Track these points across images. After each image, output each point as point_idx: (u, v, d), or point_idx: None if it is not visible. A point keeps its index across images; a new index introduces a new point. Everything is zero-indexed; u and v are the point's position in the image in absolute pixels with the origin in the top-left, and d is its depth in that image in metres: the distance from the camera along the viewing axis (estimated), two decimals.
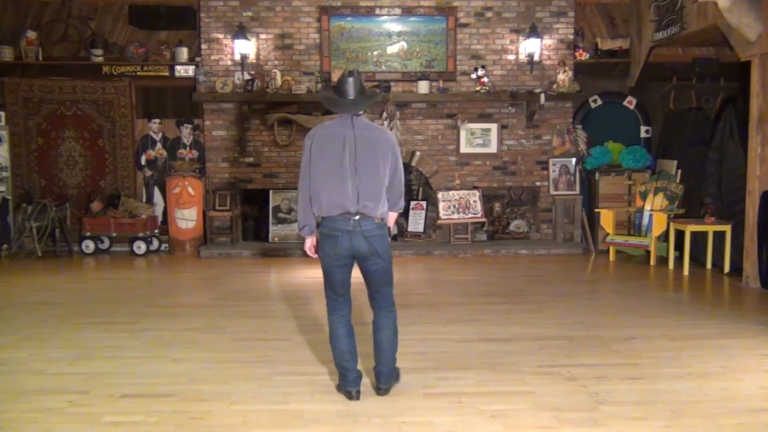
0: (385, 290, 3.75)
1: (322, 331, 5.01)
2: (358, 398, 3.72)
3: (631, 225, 8.30)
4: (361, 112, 3.70)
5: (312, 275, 7.29)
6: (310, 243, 3.79)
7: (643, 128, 9.28)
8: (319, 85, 8.59)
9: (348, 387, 3.74)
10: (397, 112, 8.79)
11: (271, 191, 8.97)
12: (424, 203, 9.13)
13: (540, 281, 7.01)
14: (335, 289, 3.72)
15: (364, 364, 4.06)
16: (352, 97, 3.60)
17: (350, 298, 3.81)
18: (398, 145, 3.75)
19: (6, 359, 4.48)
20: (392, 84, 8.70)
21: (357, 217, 3.55)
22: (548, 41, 8.95)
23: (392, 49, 8.85)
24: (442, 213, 8.84)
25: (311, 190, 3.60)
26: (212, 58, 8.84)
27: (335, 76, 8.54)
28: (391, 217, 3.81)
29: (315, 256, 3.76)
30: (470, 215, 8.85)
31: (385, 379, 3.78)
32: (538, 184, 9.12)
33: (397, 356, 4.42)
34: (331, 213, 3.57)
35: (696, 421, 3.43)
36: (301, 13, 8.82)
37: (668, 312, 5.69)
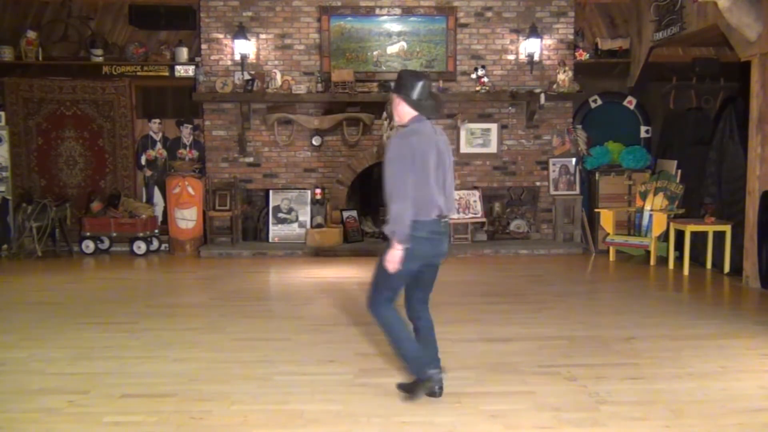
0: (430, 293, 3.86)
1: (322, 331, 5.03)
2: (440, 387, 3.71)
3: (631, 225, 8.30)
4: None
5: (312, 275, 7.29)
6: (401, 254, 3.49)
7: (643, 128, 9.28)
8: (320, 85, 8.58)
9: (430, 370, 3.62)
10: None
11: (271, 191, 8.97)
12: None
13: (540, 281, 7.01)
14: (397, 291, 3.69)
15: (360, 364, 4.06)
16: (428, 101, 3.66)
17: None
18: None
19: (6, 359, 4.48)
20: (392, 84, 8.67)
21: (446, 220, 3.66)
22: (548, 41, 8.95)
23: (392, 49, 8.85)
24: None
25: (412, 195, 3.46)
26: (212, 58, 8.84)
27: (335, 76, 8.55)
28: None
29: (398, 269, 3.52)
30: (470, 215, 8.85)
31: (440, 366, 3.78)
32: (538, 184, 9.12)
33: (396, 356, 4.44)
34: (430, 216, 3.56)
35: (696, 421, 3.43)
36: (301, 13, 8.82)
37: (668, 312, 5.69)
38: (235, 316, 5.58)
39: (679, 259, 7.50)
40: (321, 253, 8.40)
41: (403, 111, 3.65)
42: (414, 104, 3.62)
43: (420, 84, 3.62)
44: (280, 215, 8.96)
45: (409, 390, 3.70)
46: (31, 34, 8.75)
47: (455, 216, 8.79)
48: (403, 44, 8.84)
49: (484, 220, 8.91)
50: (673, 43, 8.48)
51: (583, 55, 9.10)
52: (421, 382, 3.65)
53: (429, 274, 3.76)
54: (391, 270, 3.52)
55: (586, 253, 8.68)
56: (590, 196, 9.04)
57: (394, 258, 3.49)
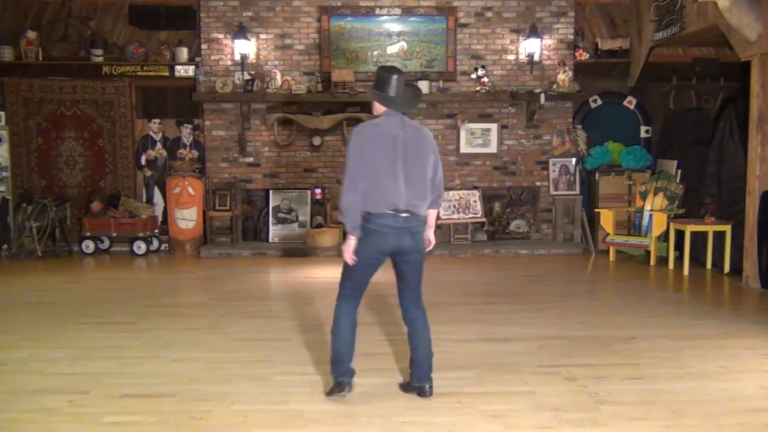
0: (417, 285, 3.79)
1: (322, 331, 5.02)
2: (350, 391, 3.69)
3: (631, 225, 8.30)
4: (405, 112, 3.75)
5: (312, 275, 7.30)
6: (354, 245, 3.61)
7: (643, 128, 9.28)
8: (320, 85, 8.59)
9: (341, 377, 3.69)
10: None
11: (271, 191, 8.97)
12: None
13: (540, 281, 7.01)
14: (360, 283, 3.73)
15: (359, 364, 4.06)
16: (398, 96, 3.65)
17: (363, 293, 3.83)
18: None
19: (6, 359, 4.48)
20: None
21: (405, 215, 3.59)
22: (548, 41, 8.95)
23: (392, 49, 8.85)
24: (442, 213, 8.83)
25: (362, 187, 3.55)
26: (212, 58, 8.84)
27: (335, 76, 8.55)
28: (432, 213, 3.85)
29: (353, 260, 3.63)
30: (470, 215, 8.85)
31: (429, 378, 3.74)
32: (538, 184, 9.12)
33: (398, 356, 4.44)
34: (380, 210, 3.56)
35: (696, 421, 3.43)
36: (301, 13, 8.82)
37: (668, 312, 5.69)
38: (235, 316, 5.58)
39: (679, 259, 7.49)
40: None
41: (376, 106, 3.73)
42: (380, 99, 3.67)
43: (390, 78, 3.64)
44: (280, 215, 8.96)
45: (329, 392, 3.76)
46: (31, 34, 8.75)
47: (455, 216, 8.80)
48: (403, 44, 8.84)
49: (484, 220, 8.91)
50: (673, 43, 8.48)
51: (583, 55, 9.10)
52: (333, 390, 3.74)
53: (407, 270, 3.72)
54: (346, 260, 3.66)
55: (586, 253, 8.68)
56: (590, 196, 9.04)
57: (346, 248, 3.64)
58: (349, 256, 3.64)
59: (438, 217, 8.74)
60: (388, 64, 3.84)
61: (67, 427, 3.42)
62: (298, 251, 8.48)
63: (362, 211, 3.57)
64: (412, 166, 3.59)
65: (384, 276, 7.14)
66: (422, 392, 3.74)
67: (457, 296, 6.30)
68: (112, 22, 9.10)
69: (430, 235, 3.86)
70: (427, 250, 3.87)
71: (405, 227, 3.59)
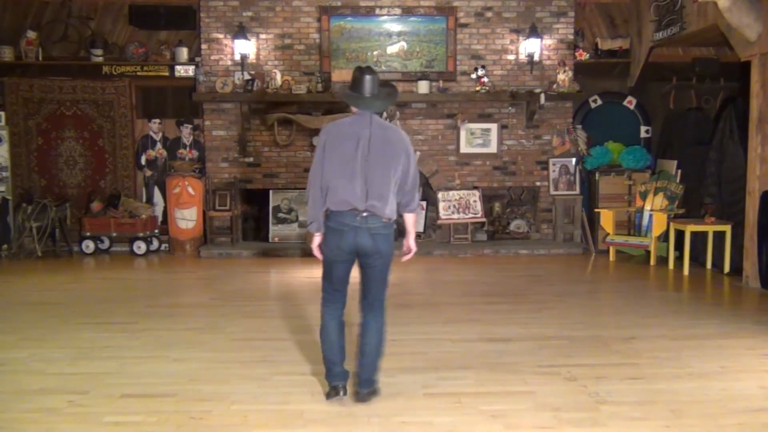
0: (377, 289, 3.71)
1: None
2: (345, 394, 3.69)
3: (631, 225, 8.30)
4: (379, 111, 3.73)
5: (312, 275, 7.29)
6: (317, 240, 3.71)
7: (643, 128, 9.28)
8: (320, 85, 8.59)
9: (334, 381, 3.69)
10: (398, 112, 8.79)
11: (271, 191, 8.97)
12: (424, 203, 9.13)
13: (540, 281, 7.01)
14: (333, 284, 3.72)
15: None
16: (373, 94, 3.64)
17: (346, 295, 3.78)
18: (412, 148, 3.72)
19: (6, 359, 4.48)
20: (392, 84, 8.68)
21: (365, 214, 3.55)
22: (548, 41, 8.95)
23: (392, 49, 8.84)
24: (442, 213, 8.84)
25: (323, 184, 3.60)
26: (212, 58, 8.84)
27: (335, 76, 8.56)
28: (409, 218, 3.79)
29: (320, 256, 3.72)
30: (470, 215, 8.85)
31: (366, 384, 3.69)
32: (538, 184, 9.12)
33: (398, 356, 4.43)
34: (340, 208, 3.57)
35: (696, 421, 3.43)
36: (301, 13, 8.82)
37: (668, 312, 5.69)
38: (235, 316, 5.58)
39: (679, 259, 7.49)
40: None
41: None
42: (348, 98, 3.69)
43: (361, 78, 3.64)
44: (280, 215, 8.96)
45: (327, 395, 3.76)
46: (31, 34, 8.74)
47: (455, 216, 8.80)
48: (403, 44, 8.84)
49: (484, 220, 8.91)
50: (673, 43, 8.48)
51: (583, 55, 9.10)
52: (329, 386, 3.74)
53: (368, 273, 3.67)
54: (315, 255, 3.73)
55: (586, 253, 8.68)
56: (590, 196, 9.04)
57: (311, 244, 3.74)
58: (315, 251, 3.73)
59: (437, 218, 8.80)
60: (365, 65, 3.82)
61: (67, 427, 3.42)
62: (297, 251, 8.48)
63: (325, 208, 3.63)
64: (374, 166, 3.55)
65: None
66: (356, 395, 3.69)
67: (457, 296, 6.30)
68: (112, 22, 9.10)
69: (409, 242, 3.80)
70: (407, 257, 3.84)
71: (363, 227, 3.56)
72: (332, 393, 3.70)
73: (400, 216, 3.77)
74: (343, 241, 3.58)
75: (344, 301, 3.79)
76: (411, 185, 3.68)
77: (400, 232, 4.02)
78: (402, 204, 3.70)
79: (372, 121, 3.62)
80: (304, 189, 8.85)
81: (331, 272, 3.70)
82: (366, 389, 3.69)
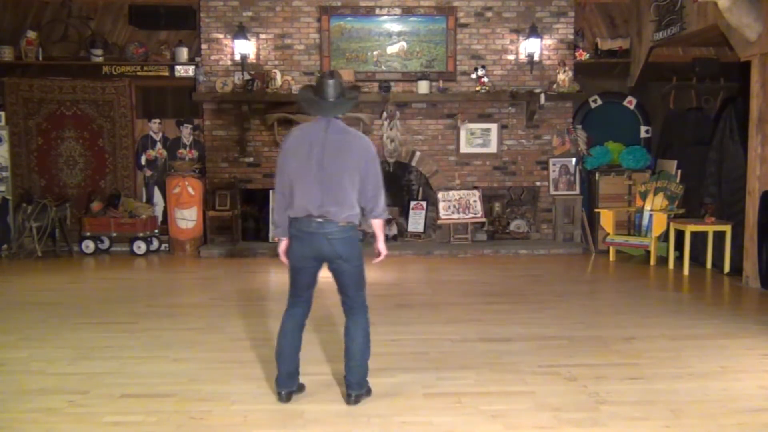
0: (352, 293, 3.68)
1: (322, 331, 5.03)
2: (287, 400, 3.67)
3: (631, 225, 8.30)
4: (340, 116, 3.64)
5: None
6: (283, 246, 3.72)
7: (643, 128, 9.28)
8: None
9: (277, 387, 3.70)
10: (397, 112, 8.79)
11: (271, 191, 8.96)
12: (424, 203, 9.13)
13: (540, 281, 7.01)
14: (296, 289, 3.71)
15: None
16: (331, 100, 3.57)
17: (310, 301, 3.76)
18: (374, 151, 3.63)
19: (6, 359, 4.48)
20: (392, 84, 8.70)
21: (320, 220, 3.52)
22: (548, 41, 8.95)
23: (392, 49, 8.84)
24: (442, 213, 8.84)
25: (284, 191, 3.62)
26: (212, 58, 8.84)
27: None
28: (375, 224, 3.72)
29: (286, 261, 3.70)
30: (470, 215, 8.85)
31: (356, 386, 3.67)
32: (538, 184, 9.12)
33: (398, 356, 4.44)
34: (297, 214, 3.57)
35: (696, 421, 3.43)
36: (301, 13, 8.82)
37: (668, 312, 5.69)
38: (235, 316, 5.58)
39: (679, 259, 7.49)
40: None
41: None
42: (303, 102, 3.69)
43: (320, 83, 3.61)
44: None
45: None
46: (31, 34, 8.74)
47: (455, 216, 8.80)
48: (403, 44, 8.84)
49: (484, 220, 8.91)
50: (673, 43, 8.48)
51: (583, 55, 9.10)
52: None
53: (336, 278, 3.66)
54: (282, 260, 3.74)
55: (586, 253, 8.68)
56: (590, 196, 9.04)
57: (279, 249, 3.76)
58: (281, 256, 3.74)
59: (437, 218, 8.80)
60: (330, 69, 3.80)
61: (67, 427, 3.42)
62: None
63: (286, 215, 3.64)
64: (329, 171, 3.50)
65: (383, 275, 7.12)
66: (347, 398, 3.68)
67: (457, 296, 6.30)
68: (112, 22, 9.10)
69: (378, 246, 3.75)
70: (377, 261, 3.80)
71: (319, 233, 3.53)
72: (277, 397, 3.71)
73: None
74: (303, 248, 3.58)
75: (307, 306, 3.76)
76: (372, 191, 3.60)
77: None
78: (366, 210, 3.64)
79: (329, 126, 3.56)
80: None
81: (295, 278, 3.69)
82: (356, 391, 3.67)
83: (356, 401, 3.67)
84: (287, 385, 3.71)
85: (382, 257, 3.80)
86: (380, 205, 3.65)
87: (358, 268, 3.67)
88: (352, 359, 3.67)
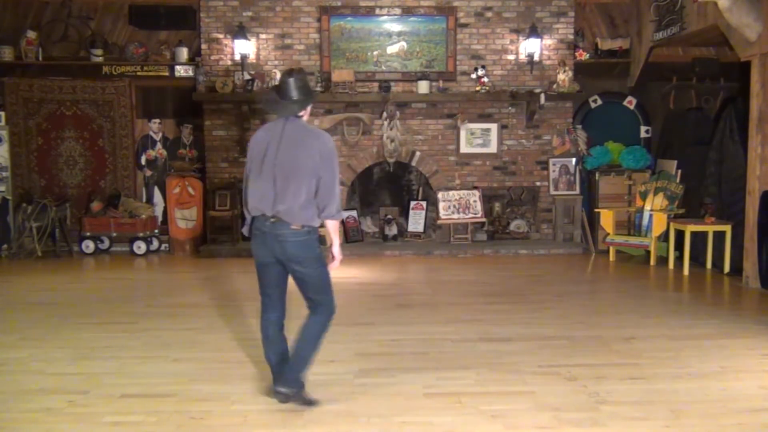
0: (313, 296, 3.63)
1: None
2: (283, 401, 3.65)
3: (631, 225, 8.30)
4: (301, 114, 3.56)
5: None
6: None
7: (643, 128, 9.28)
8: (319, 86, 8.60)
9: (275, 387, 3.68)
10: (397, 112, 8.79)
11: None
12: (424, 203, 9.13)
13: (540, 281, 7.01)
14: (262, 287, 3.68)
15: (359, 364, 4.06)
16: (286, 99, 3.52)
17: (282, 304, 3.71)
18: (331, 149, 3.51)
19: (6, 359, 4.48)
20: (392, 84, 8.70)
21: (272, 221, 3.48)
22: (548, 41, 8.95)
23: (392, 49, 8.84)
24: (442, 213, 8.84)
25: (247, 189, 3.61)
26: (212, 58, 8.84)
27: (335, 76, 8.55)
28: (329, 225, 3.60)
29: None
30: (470, 215, 8.85)
31: (284, 383, 3.56)
32: (538, 184, 9.12)
33: (398, 356, 4.44)
34: (253, 213, 3.56)
35: (696, 421, 3.43)
36: (301, 13, 8.82)
37: (668, 312, 5.69)
38: (235, 316, 5.58)
39: (679, 259, 7.49)
40: None
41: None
42: (262, 102, 3.68)
43: (281, 82, 3.58)
44: None
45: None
46: (31, 34, 8.75)
47: (455, 216, 8.79)
48: (403, 44, 8.84)
49: (484, 220, 8.91)
50: (673, 43, 8.48)
51: (583, 55, 9.10)
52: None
53: (294, 279, 3.60)
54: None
55: (586, 253, 8.68)
56: (590, 196, 9.04)
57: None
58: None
59: (437, 218, 8.80)
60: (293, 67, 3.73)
61: (67, 427, 3.42)
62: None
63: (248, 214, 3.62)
64: (283, 170, 3.44)
65: (383, 275, 7.13)
66: (275, 394, 3.62)
67: (457, 296, 6.30)
68: (112, 22, 9.10)
69: (333, 250, 3.66)
70: (332, 266, 3.66)
71: (272, 233, 3.49)
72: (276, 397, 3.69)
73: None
74: (258, 248, 3.57)
75: (280, 310, 3.70)
76: (326, 190, 3.48)
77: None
78: (319, 209, 3.51)
79: (286, 125, 3.52)
80: None
81: (259, 276, 3.66)
82: (284, 388, 3.56)
83: (282, 400, 3.58)
84: (290, 383, 3.69)
85: (336, 262, 3.67)
86: (333, 205, 3.52)
87: (317, 271, 3.56)
88: (295, 354, 3.59)
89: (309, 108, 3.65)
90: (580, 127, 9.12)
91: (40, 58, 8.83)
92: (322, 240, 3.61)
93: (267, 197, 3.47)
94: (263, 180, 3.48)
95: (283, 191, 3.44)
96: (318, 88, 8.59)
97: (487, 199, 9.03)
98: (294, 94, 3.52)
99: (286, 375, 3.59)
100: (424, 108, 8.93)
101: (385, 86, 8.63)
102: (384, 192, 9.48)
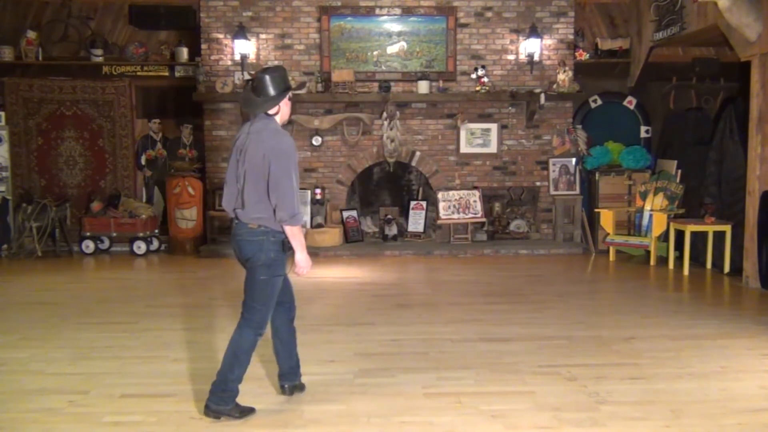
0: (246, 301, 3.55)
1: (322, 332, 5.03)
2: (290, 393, 3.76)
3: (631, 225, 8.30)
4: (272, 112, 3.46)
5: (311, 275, 7.27)
6: None
7: (643, 128, 9.29)
8: (320, 85, 8.60)
9: (280, 381, 3.80)
10: (397, 112, 8.79)
11: None
12: (424, 203, 9.13)
13: (540, 281, 7.01)
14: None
15: (359, 364, 4.05)
16: (252, 98, 3.47)
17: (286, 302, 3.78)
18: (284, 149, 3.36)
19: (6, 359, 4.48)
20: (392, 84, 8.70)
21: (236, 221, 3.50)
22: (548, 41, 8.95)
23: (392, 49, 8.84)
24: (442, 213, 8.84)
25: None
26: (212, 58, 8.84)
27: (335, 76, 8.55)
28: (287, 231, 3.40)
29: None
30: (470, 215, 8.85)
31: (210, 393, 3.47)
32: (538, 184, 9.12)
33: (398, 356, 4.43)
34: (229, 215, 3.58)
35: (696, 421, 3.43)
36: (301, 13, 8.82)
37: (668, 312, 5.69)
38: (235, 316, 5.55)
39: (679, 259, 7.49)
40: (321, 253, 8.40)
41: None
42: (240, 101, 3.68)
43: (250, 80, 3.60)
44: None
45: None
46: (31, 34, 8.75)
47: (456, 216, 8.79)
48: (403, 44, 8.84)
49: (484, 220, 8.91)
50: (673, 43, 8.49)
51: (583, 55, 9.10)
52: None
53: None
54: None
55: (586, 253, 8.68)
56: (590, 196, 9.04)
57: None
58: None
59: (437, 218, 8.80)
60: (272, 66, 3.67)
61: (67, 427, 3.42)
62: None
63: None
64: (246, 171, 3.40)
65: (383, 275, 7.13)
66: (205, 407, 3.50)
67: (457, 296, 6.30)
68: (112, 22, 9.11)
69: (296, 257, 3.48)
70: (298, 274, 3.55)
71: (235, 233, 3.49)
72: (281, 391, 3.79)
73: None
74: (235, 249, 3.56)
75: (282, 307, 3.74)
76: (274, 192, 3.32)
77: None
78: (274, 212, 3.37)
79: (252, 124, 3.47)
80: (303, 189, 8.92)
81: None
82: (208, 401, 3.47)
83: (207, 412, 3.44)
84: (290, 378, 3.76)
85: (299, 270, 3.53)
86: (284, 209, 3.32)
87: (262, 276, 3.43)
88: (221, 364, 3.51)
89: (284, 107, 3.51)
90: (580, 127, 9.12)
91: (40, 58, 8.83)
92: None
93: (231, 198, 3.51)
94: (231, 181, 3.52)
95: (242, 191, 3.43)
96: (318, 88, 8.60)
97: (487, 199, 9.03)
98: (259, 92, 3.45)
99: (211, 389, 3.49)
100: (424, 108, 8.93)
101: (385, 86, 8.63)
102: (384, 192, 9.48)
